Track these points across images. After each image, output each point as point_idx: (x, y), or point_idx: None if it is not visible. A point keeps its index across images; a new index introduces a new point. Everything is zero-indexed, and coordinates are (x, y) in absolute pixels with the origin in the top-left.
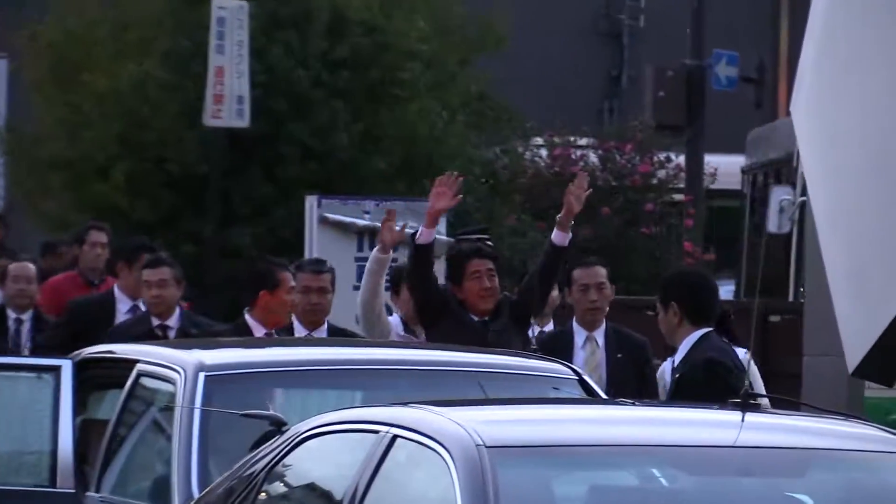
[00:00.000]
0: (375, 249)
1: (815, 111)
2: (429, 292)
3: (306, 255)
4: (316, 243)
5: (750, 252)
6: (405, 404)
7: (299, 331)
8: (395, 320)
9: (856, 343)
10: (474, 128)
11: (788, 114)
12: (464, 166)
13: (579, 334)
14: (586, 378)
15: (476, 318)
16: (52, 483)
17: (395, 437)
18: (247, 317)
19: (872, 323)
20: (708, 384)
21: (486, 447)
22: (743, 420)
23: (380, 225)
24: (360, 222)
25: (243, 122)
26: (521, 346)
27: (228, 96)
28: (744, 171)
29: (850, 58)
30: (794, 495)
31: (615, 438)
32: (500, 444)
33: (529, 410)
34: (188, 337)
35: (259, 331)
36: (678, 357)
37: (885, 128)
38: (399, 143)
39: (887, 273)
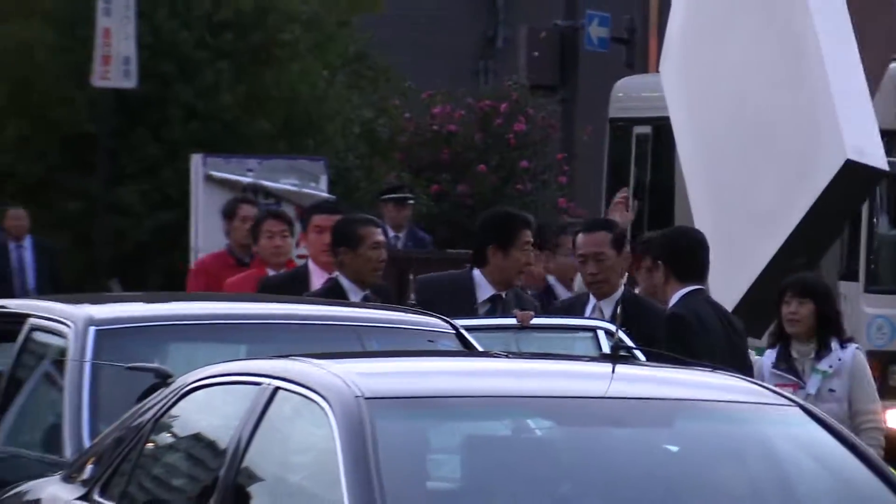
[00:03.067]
0: None
1: (683, 72)
2: None
3: (192, 212)
4: (201, 200)
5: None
6: (287, 357)
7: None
8: None
9: (723, 299)
10: (354, 87)
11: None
12: (343, 125)
13: (590, 303)
14: (463, 332)
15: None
16: None
17: (276, 388)
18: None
19: (738, 280)
20: (667, 339)
21: (365, 398)
22: (613, 372)
23: (264, 182)
24: (244, 179)
25: (130, 83)
26: None
27: (116, 58)
28: (611, 122)
29: (718, 20)
30: (663, 444)
31: (489, 390)
32: (378, 395)
33: (406, 363)
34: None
35: (355, 292)
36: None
37: (750, 88)
38: (281, 104)
39: (751, 231)
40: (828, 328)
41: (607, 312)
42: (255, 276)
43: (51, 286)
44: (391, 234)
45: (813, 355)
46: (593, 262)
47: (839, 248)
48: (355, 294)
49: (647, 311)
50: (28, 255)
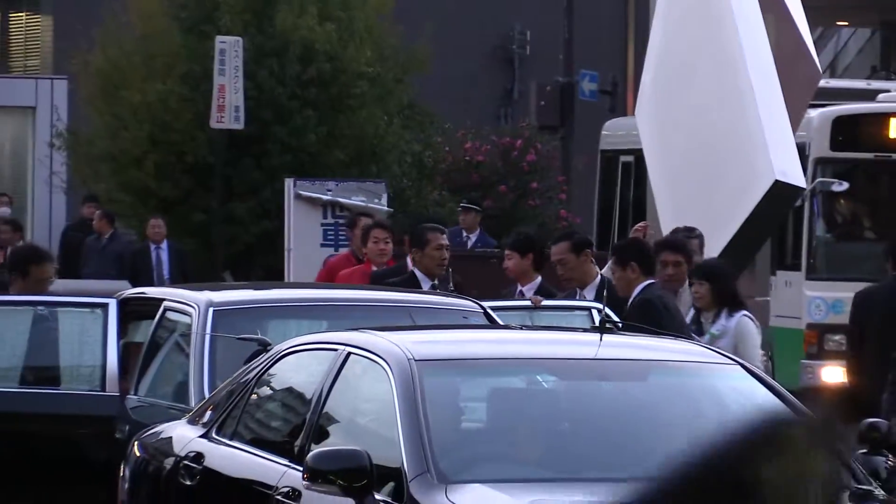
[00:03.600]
0: None
1: (652, 115)
2: None
3: (286, 222)
4: (293, 213)
5: (602, 217)
6: (357, 329)
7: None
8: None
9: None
10: (406, 128)
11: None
12: (399, 157)
13: (578, 291)
14: (489, 311)
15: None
16: (103, 388)
17: (349, 353)
18: (414, 269)
19: None
20: (641, 317)
21: (416, 360)
22: (601, 340)
23: (339, 199)
24: (324, 197)
25: (239, 126)
26: None
27: (228, 107)
28: (601, 153)
29: (678, 76)
30: (637, 394)
31: (509, 353)
32: (425, 358)
33: (446, 334)
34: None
35: (426, 282)
36: (632, 300)
37: (702, 126)
38: (352, 141)
39: (704, 234)
40: (721, 302)
41: (589, 297)
42: (361, 270)
43: (181, 279)
44: (465, 234)
45: (711, 321)
46: (560, 265)
47: (771, 246)
48: (426, 283)
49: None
50: (164, 255)
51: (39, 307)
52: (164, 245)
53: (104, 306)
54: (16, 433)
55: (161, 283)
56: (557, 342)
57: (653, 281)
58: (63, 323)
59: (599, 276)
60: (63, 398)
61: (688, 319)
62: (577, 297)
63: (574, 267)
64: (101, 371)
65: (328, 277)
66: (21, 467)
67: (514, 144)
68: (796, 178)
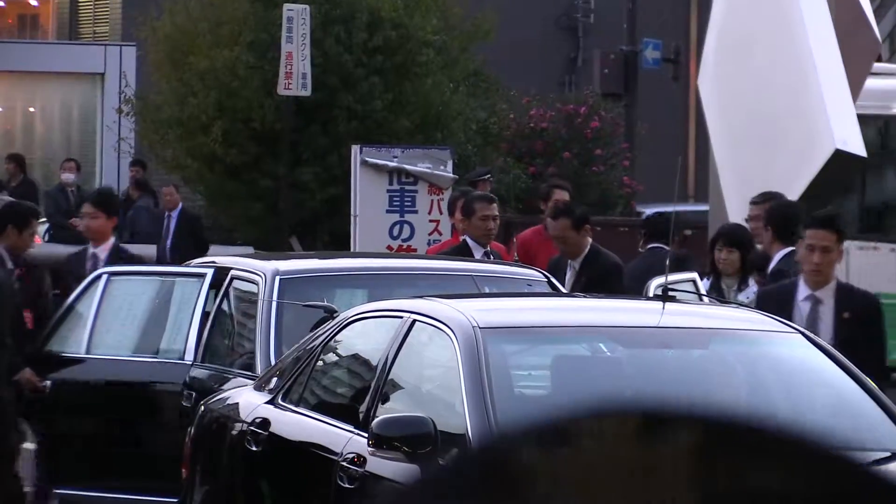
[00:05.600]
0: None
1: (715, 84)
2: None
3: (352, 189)
4: (359, 179)
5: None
6: (422, 297)
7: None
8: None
9: None
10: (472, 96)
11: (697, 85)
12: (464, 123)
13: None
14: (552, 280)
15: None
16: (182, 357)
17: (414, 320)
18: (467, 238)
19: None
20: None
21: (480, 328)
22: (664, 308)
23: (405, 166)
24: (390, 164)
25: (306, 92)
26: None
27: (296, 74)
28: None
29: (740, 45)
30: (699, 362)
31: (573, 321)
32: (490, 325)
33: (511, 302)
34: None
35: (477, 250)
36: (771, 266)
37: (764, 95)
38: (418, 108)
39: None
40: (749, 269)
41: (576, 266)
42: (537, 230)
43: (192, 246)
44: None
45: (736, 287)
46: (559, 241)
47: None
48: (477, 251)
49: (600, 260)
50: (172, 223)
51: (161, 277)
52: (176, 213)
53: (202, 276)
54: (121, 398)
55: (162, 251)
56: (621, 310)
57: (792, 249)
58: (175, 293)
59: (589, 247)
60: (157, 367)
61: (706, 285)
62: (568, 267)
63: (574, 242)
64: (185, 340)
65: (524, 256)
66: (120, 434)
67: (578, 111)
68: (857, 146)
